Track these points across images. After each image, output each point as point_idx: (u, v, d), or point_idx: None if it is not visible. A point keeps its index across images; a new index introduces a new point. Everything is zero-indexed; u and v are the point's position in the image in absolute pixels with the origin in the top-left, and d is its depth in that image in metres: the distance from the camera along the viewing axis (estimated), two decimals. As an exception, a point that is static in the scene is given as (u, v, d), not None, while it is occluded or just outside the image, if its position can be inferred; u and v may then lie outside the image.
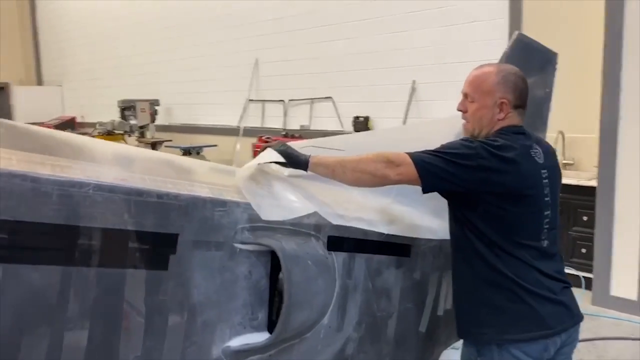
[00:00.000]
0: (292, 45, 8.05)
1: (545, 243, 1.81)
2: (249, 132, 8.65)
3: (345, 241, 1.85)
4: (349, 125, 7.31)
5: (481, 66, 1.91)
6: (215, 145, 8.78)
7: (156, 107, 9.63)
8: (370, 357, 2.03)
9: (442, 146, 1.76)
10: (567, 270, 5.26)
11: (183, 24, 9.80)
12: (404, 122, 6.62)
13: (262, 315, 1.60)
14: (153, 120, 9.44)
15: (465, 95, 1.88)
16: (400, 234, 2.07)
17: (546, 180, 1.82)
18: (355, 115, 7.19)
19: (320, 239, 1.75)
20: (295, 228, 1.67)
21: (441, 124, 2.52)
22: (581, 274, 4.76)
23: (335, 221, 1.79)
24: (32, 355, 1.13)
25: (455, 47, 6.21)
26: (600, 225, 4.40)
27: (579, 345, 3.92)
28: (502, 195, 1.72)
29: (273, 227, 1.60)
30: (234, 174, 1.72)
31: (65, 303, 1.17)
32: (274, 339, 1.57)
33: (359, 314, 1.93)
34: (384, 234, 1.98)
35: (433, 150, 1.74)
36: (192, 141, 9.26)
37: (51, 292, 1.16)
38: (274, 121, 8.49)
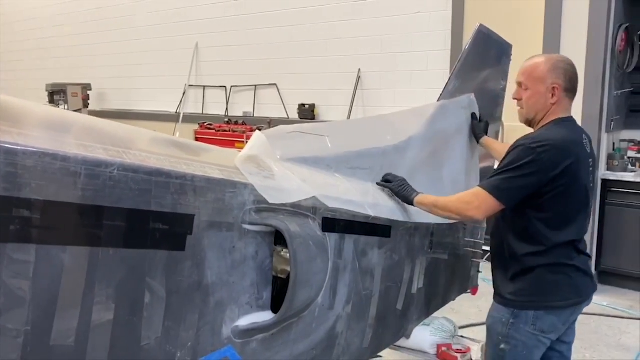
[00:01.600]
0: (234, 31, 7.94)
1: (586, 227, 2.13)
2: (188, 118, 8.47)
3: (337, 223, 1.90)
4: (294, 113, 7.34)
5: (532, 57, 2.15)
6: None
7: (89, 92, 9.21)
8: (355, 334, 2.10)
9: (506, 165, 1.97)
10: (487, 248, 5.61)
11: (118, 5, 9.39)
12: (350, 111, 6.73)
13: (267, 295, 1.63)
14: (86, 105, 9.04)
15: (520, 84, 2.11)
16: (384, 216, 2.15)
17: (591, 169, 2.08)
18: (300, 102, 7.22)
19: (316, 220, 1.79)
20: (295, 210, 1.70)
21: (413, 113, 2.63)
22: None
23: (331, 204, 1.83)
24: (63, 336, 1.11)
25: (400, 37, 6.38)
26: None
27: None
28: (563, 178, 1.94)
29: (276, 209, 1.62)
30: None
31: (93, 284, 1.15)
32: (280, 317, 1.60)
33: (347, 292, 1.99)
34: (370, 216, 2.05)
35: (501, 170, 1.98)
36: (129, 127, 8.94)
37: (80, 273, 1.13)
38: (216, 107, 8.36)
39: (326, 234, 1.84)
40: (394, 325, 2.39)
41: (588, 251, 4.68)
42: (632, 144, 4.87)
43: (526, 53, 4.93)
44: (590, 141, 2.14)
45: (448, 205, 2.10)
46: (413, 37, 6.26)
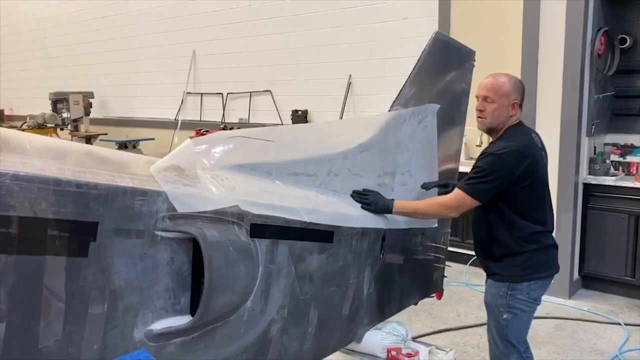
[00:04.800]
0: (230, 38, 8.04)
1: (549, 209, 2.52)
2: (186, 125, 8.58)
3: (268, 228, 1.93)
4: (287, 119, 7.41)
5: (495, 75, 2.50)
6: (152, 139, 8.66)
7: (90, 100, 9.37)
8: (293, 339, 2.13)
9: (479, 170, 2.38)
10: (471, 252, 5.57)
11: (117, 14, 9.57)
12: (341, 116, 6.78)
13: (185, 300, 1.67)
14: (87, 113, 9.21)
15: (485, 98, 2.45)
16: (323, 222, 2.18)
17: (545, 161, 2.50)
18: (294, 108, 7.28)
19: (243, 227, 1.82)
20: (217, 216, 1.73)
21: (366, 121, 2.66)
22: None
23: (257, 211, 1.87)
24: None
25: (388, 43, 6.42)
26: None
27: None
28: (525, 176, 2.35)
29: (194, 216, 1.66)
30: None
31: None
32: (196, 321, 1.64)
33: (282, 297, 2.02)
34: (306, 221, 2.08)
35: (475, 176, 2.39)
36: (129, 134, 9.09)
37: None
38: (213, 114, 8.46)
39: (255, 239, 1.88)
40: (340, 329, 2.42)
41: (571, 256, 4.67)
42: (615, 147, 4.83)
43: (510, 57, 4.95)
44: (539, 137, 2.54)
45: (429, 209, 2.53)
46: (401, 43, 6.29)
